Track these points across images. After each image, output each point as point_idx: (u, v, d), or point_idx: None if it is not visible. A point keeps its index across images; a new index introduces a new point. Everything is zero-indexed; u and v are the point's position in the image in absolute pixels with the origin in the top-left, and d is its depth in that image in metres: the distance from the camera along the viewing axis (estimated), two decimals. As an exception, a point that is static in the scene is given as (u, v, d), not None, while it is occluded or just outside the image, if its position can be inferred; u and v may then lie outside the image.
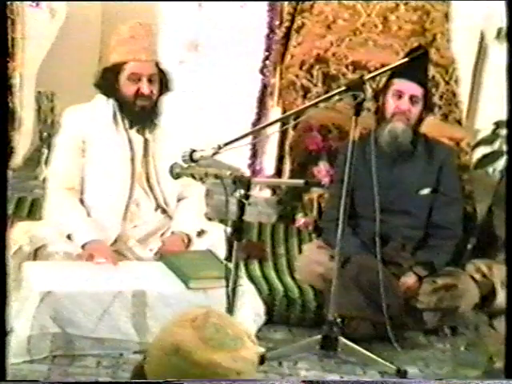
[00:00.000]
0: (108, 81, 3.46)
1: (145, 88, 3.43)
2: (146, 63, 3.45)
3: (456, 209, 3.84)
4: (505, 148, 4.28)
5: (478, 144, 4.48)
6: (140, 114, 3.47)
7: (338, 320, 3.44)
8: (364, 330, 3.58)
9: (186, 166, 2.96)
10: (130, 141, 3.52)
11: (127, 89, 3.44)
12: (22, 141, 4.69)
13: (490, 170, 4.39)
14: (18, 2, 4.50)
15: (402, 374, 3.34)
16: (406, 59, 3.57)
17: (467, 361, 3.52)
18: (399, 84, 3.73)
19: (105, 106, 3.52)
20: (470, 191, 4.23)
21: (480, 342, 3.62)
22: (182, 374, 1.60)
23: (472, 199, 4.20)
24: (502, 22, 4.54)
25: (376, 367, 3.41)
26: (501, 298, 3.67)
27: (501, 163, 4.26)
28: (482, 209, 4.03)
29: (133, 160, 3.52)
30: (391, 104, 3.74)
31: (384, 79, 3.95)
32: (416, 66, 3.67)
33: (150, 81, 3.45)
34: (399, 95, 3.73)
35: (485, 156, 4.44)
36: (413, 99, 3.74)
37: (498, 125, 4.48)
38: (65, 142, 3.53)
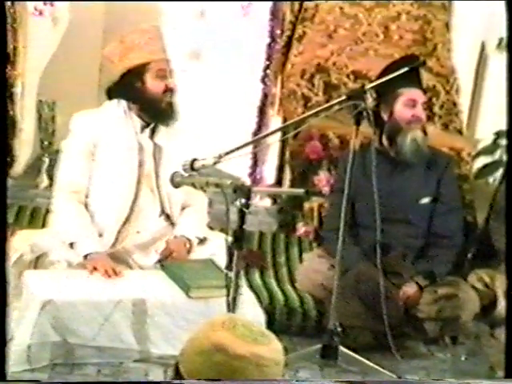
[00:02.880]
0: (130, 83, 3.54)
1: (172, 83, 3.56)
2: (167, 61, 3.59)
3: (456, 218, 3.84)
4: (505, 158, 4.29)
5: (479, 154, 4.49)
6: (165, 110, 3.56)
7: (339, 329, 3.44)
8: (364, 339, 3.58)
9: (186, 174, 2.96)
10: (139, 145, 3.56)
11: (156, 86, 3.54)
12: (23, 149, 4.70)
13: (491, 179, 4.39)
14: (20, 10, 4.51)
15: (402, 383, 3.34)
16: (407, 68, 3.57)
17: (468, 370, 3.52)
18: (411, 93, 3.74)
19: (115, 111, 3.58)
20: (470, 201, 4.24)
21: (481, 351, 3.61)
22: (226, 370, 1.75)
23: (472, 209, 4.20)
24: (503, 33, 4.56)
25: (376, 376, 3.41)
26: (502, 307, 3.66)
27: (500, 173, 4.26)
28: (482, 218, 4.03)
29: (141, 165, 3.55)
30: (405, 113, 3.75)
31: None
32: (417, 74, 3.70)
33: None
34: (413, 104, 3.74)
35: (485, 166, 4.45)
36: (423, 107, 3.78)
37: (498, 135, 4.49)
38: (74, 147, 3.57)
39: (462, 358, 3.64)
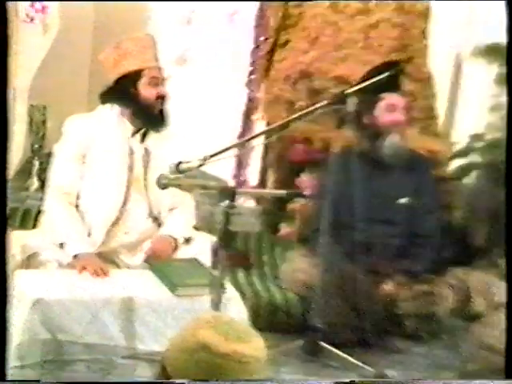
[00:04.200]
0: (123, 89, 3.57)
1: (164, 90, 3.58)
2: (160, 69, 3.62)
3: (434, 218, 3.88)
4: (480, 159, 4.32)
5: (454, 156, 4.51)
6: (157, 117, 3.58)
7: (321, 326, 3.45)
8: (345, 335, 3.59)
9: (172, 176, 2.96)
10: (130, 149, 3.58)
11: (149, 93, 3.55)
12: (14, 153, 4.68)
13: (466, 180, 4.41)
14: (12, 17, 4.49)
15: (380, 377, 3.35)
16: (386, 74, 3.57)
17: (443, 364, 3.54)
18: (390, 97, 3.77)
19: (108, 115, 3.60)
20: (447, 201, 4.26)
21: (456, 345, 3.64)
22: (210, 368, 1.75)
23: (449, 209, 4.22)
24: (479, 40, 4.60)
25: (356, 371, 3.42)
26: (476, 303, 3.69)
27: (475, 174, 4.29)
28: (459, 218, 4.05)
29: (131, 168, 3.56)
30: (385, 117, 3.77)
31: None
32: (396, 79, 3.71)
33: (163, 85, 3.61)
34: (393, 108, 3.77)
35: (461, 167, 4.47)
36: (403, 111, 3.80)
37: (473, 138, 4.52)
38: (66, 150, 3.59)
39: (438, 352, 3.65)
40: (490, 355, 3.44)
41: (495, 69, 4.61)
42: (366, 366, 3.41)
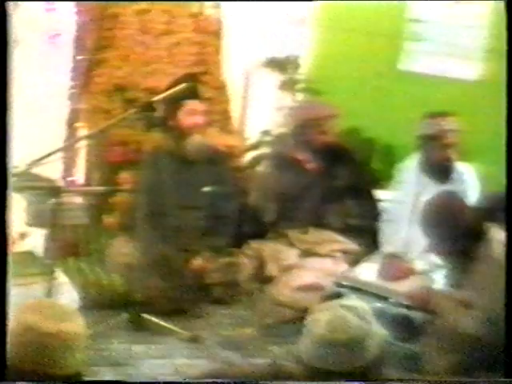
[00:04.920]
0: None
1: None
2: None
3: (233, 201, 3.99)
4: (268, 151, 4.48)
5: (248, 149, 4.66)
6: None
7: (142, 300, 3.49)
8: (163, 306, 3.64)
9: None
10: None
11: None
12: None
13: (258, 168, 4.56)
14: None
15: (194, 339, 3.44)
16: (187, 84, 3.66)
17: (245, 321, 3.66)
18: (191, 103, 3.84)
19: None
20: (243, 186, 4.39)
21: (254, 305, 3.76)
22: (39, 348, 1.77)
23: (245, 193, 4.35)
24: (263, 54, 4.79)
25: (175, 336, 3.48)
26: (270, 268, 3.82)
27: (265, 163, 4.44)
28: (253, 199, 4.19)
29: None
30: (188, 120, 3.84)
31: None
32: (196, 88, 3.81)
33: None
34: (193, 112, 3.84)
35: (253, 158, 4.63)
36: (202, 114, 3.89)
37: (263, 133, 4.69)
38: None
39: (241, 312, 3.76)
40: (282, 310, 3.59)
41: (278, 77, 4.83)
42: (182, 331, 3.49)
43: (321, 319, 1.94)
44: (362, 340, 1.90)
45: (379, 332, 1.95)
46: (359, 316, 1.93)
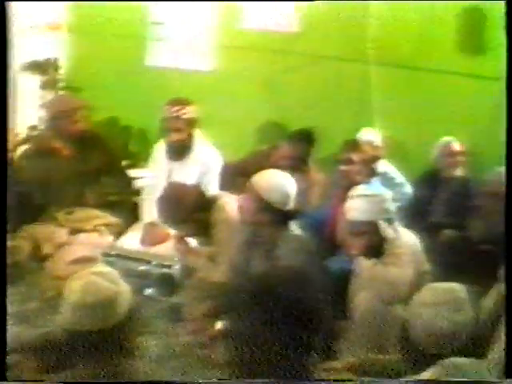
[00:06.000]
0: None
1: None
2: None
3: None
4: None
5: (20, 143, 4.14)
6: None
7: None
8: None
9: None
10: None
11: None
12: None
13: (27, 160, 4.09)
14: None
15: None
16: None
17: (30, 297, 3.25)
18: None
19: None
20: (16, 178, 3.88)
21: (35, 281, 3.36)
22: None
23: (19, 183, 3.83)
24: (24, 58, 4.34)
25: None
26: (45, 248, 3.45)
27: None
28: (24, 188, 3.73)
29: None
30: None
31: None
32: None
33: None
34: None
35: (24, 151, 4.12)
36: None
37: (30, 129, 4.27)
38: None
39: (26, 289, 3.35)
40: (60, 283, 3.22)
41: (40, 78, 4.48)
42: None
43: (75, 286, 1.86)
44: (112, 300, 1.82)
45: (126, 291, 1.87)
46: (108, 280, 1.85)
